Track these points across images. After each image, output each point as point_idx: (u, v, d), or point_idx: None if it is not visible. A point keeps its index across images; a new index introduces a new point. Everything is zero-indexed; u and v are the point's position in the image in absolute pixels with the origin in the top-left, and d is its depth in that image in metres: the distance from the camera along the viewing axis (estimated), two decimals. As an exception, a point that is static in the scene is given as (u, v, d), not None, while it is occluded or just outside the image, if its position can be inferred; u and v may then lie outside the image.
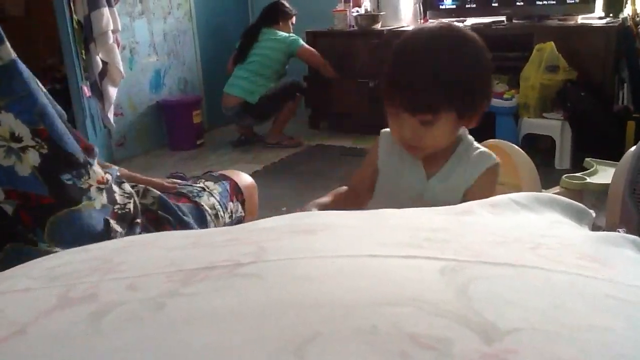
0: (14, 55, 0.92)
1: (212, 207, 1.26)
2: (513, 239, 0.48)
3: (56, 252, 0.85)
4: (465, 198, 1.05)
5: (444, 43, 1.00)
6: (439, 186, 1.07)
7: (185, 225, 1.16)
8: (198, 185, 1.31)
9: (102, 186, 1.02)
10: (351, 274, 0.39)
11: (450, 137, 1.04)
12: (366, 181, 1.14)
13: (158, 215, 1.16)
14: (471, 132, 1.13)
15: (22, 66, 0.93)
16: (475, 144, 1.10)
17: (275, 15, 3.89)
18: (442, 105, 0.97)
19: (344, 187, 1.20)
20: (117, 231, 1.01)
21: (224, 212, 1.28)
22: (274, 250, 0.44)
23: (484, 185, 1.06)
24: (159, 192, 1.20)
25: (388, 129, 1.11)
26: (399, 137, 1.05)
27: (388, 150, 1.13)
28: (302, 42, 3.86)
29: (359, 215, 0.62)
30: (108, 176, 1.05)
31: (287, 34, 3.86)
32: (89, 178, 1.00)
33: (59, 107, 0.99)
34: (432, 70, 0.96)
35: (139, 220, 1.08)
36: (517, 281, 0.38)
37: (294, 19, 3.96)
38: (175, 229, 1.14)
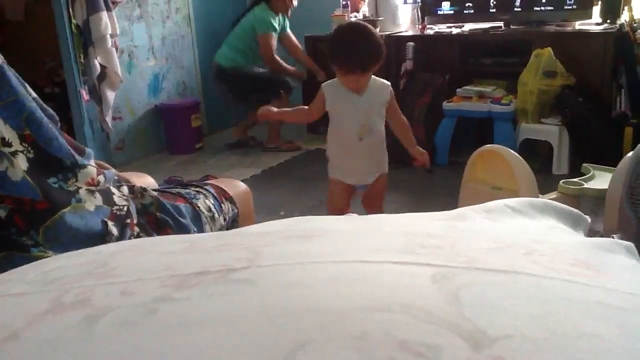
0: (1, 60, 0.92)
1: (209, 210, 1.26)
2: (506, 244, 0.48)
3: (49, 256, 0.85)
4: (387, 107, 2.00)
5: (365, 32, 1.91)
6: (366, 98, 1.95)
7: (182, 228, 1.16)
8: (193, 189, 1.31)
9: (92, 188, 1.02)
10: (344, 280, 0.39)
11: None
12: (319, 110, 2.02)
13: (157, 218, 1.15)
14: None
15: (10, 72, 0.93)
16: (373, 76, 1.99)
17: None
18: (374, 64, 1.89)
19: (305, 107, 2.19)
20: (113, 234, 1.01)
21: (219, 214, 1.28)
22: (267, 256, 0.44)
23: (393, 97, 2.03)
24: (155, 193, 1.19)
25: (327, 82, 2.01)
26: (351, 86, 1.92)
27: (333, 94, 1.97)
28: (270, 31, 3.75)
29: (354, 221, 0.62)
30: (101, 178, 1.04)
31: (267, 14, 3.76)
32: (77, 180, 0.99)
33: (50, 111, 0.99)
34: (368, 49, 1.87)
35: (128, 221, 1.07)
36: (509, 288, 0.38)
37: (294, 1, 3.85)
38: (174, 231, 1.13)
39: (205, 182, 1.38)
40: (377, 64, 1.90)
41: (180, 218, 1.17)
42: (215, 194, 1.32)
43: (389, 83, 2.02)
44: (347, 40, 1.93)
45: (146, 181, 1.43)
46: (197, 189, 1.30)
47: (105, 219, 1.02)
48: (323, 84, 2.02)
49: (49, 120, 0.97)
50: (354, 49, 1.88)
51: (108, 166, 1.21)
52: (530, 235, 0.56)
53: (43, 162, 0.95)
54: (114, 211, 1.05)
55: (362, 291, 0.37)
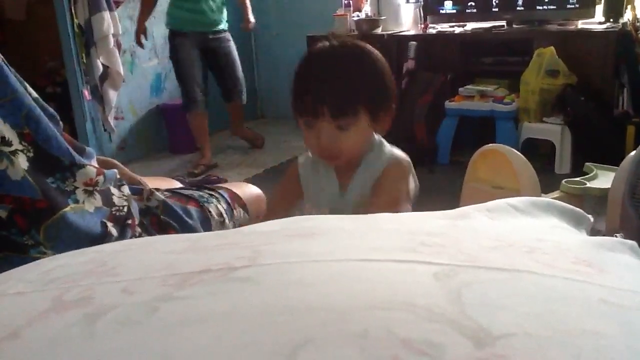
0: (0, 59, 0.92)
1: (220, 215, 1.26)
2: (509, 243, 0.48)
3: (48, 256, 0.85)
4: (372, 192, 1.05)
5: (349, 51, 1.04)
6: (355, 197, 1.08)
7: (188, 229, 1.16)
8: (207, 191, 1.31)
9: (89, 188, 1.02)
10: (345, 279, 0.39)
11: (364, 142, 1.06)
12: (287, 194, 1.18)
13: (160, 220, 1.15)
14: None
15: (8, 70, 0.93)
16: (388, 148, 1.10)
17: None
18: (358, 106, 1.01)
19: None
20: (113, 235, 1.01)
21: (229, 220, 1.28)
22: (269, 254, 0.44)
23: (389, 177, 1.05)
24: (163, 196, 1.19)
25: (305, 155, 1.17)
26: (316, 147, 1.06)
27: (308, 175, 1.15)
28: None
29: (355, 219, 0.62)
30: (100, 178, 1.04)
31: None
32: (75, 180, 0.99)
33: (51, 111, 0.99)
34: (346, 76, 1.01)
35: (129, 222, 1.07)
36: (511, 286, 0.38)
37: None
38: (178, 232, 1.13)
39: (220, 185, 1.38)
40: (379, 105, 1.04)
41: (187, 219, 1.17)
42: (228, 199, 1.31)
43: (400, 159, 1.09)
44: (318, 69, 1.05)
45: (171, 185, 1.43)
46: (210, 192, 1.30)
47: (105, 220, 1.02)
48: (300, 157, 1.19)
49: (49, 120, 0.97)
50: (320, 75, 1.03)
51: (116, 162, 1.21)
52: (533, 234, 0.56)
53: (42, 161, 0.94)
54: (113, 212, 1.04)
55: (364, 289, 0.36)
